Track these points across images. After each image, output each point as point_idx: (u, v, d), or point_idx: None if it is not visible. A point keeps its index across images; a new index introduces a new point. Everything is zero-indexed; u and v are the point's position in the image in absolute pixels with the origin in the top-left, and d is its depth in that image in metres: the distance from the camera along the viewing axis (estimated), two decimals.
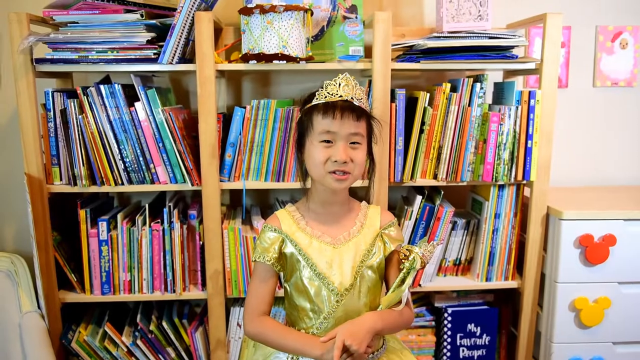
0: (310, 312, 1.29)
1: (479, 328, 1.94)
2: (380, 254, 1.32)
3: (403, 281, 1.27)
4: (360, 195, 1.43)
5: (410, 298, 1.33)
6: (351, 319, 1.25)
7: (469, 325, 1.93)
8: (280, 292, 1.76)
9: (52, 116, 1.66)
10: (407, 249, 1.29)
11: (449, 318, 1.92)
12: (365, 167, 1.34)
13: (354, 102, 1.24)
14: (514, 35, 1.70)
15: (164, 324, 1.82)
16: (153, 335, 1.81)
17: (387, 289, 1.33)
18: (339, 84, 1.25)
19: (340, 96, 1.24)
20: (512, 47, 1.72)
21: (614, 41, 2.15)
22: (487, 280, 1.87)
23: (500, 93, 1.86)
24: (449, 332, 1.93)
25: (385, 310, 1.28)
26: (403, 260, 1.28)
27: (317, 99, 1.27)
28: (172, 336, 1.83)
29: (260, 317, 1.30)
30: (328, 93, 1.25)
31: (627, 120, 2.19)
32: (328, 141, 1.24)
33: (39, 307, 1.75)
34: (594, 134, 2.19)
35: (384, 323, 1.25)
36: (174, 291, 1.78)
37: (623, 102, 2.18)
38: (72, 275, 1.77)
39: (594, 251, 1.72)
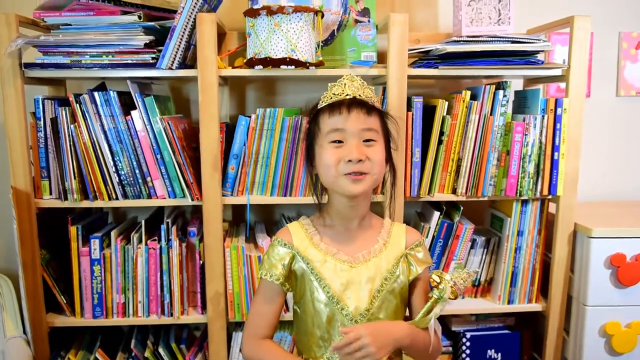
0: (320, 340, 1.16)
1: (499, 354, 1.80)
2: (404, 277, 1.19)
3: (430, 311, 1.14)
4: (375, 211, 1.30)
5: (440, 332, 1.18)
6: None
7: (489, 351, 1.79)
8: (287, 316, 1.65)
9: (42, 125, 1.54)
10: (438, 275, 1.15)
11: (468, 343, 1.79)
12: (385, 178, 1.23)
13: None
14: (538, 40, 1.59)
15: (160, 349, 1.68)
16: None
17: (412, 319, 1.20)
18: (344, 84, 1.15)
19: (347, 95, 1.14)
20: (537, 52, 1.61)
21: (638, 48, 2.04)
22: (509, 302, 1.73)
23: (523, 102, 1.74)
24: (468, 359, 1.79)
25: (420, 329, 1.14)
26: (433, 288, 1.15)
27: (322, 102, 1.18)
28: None
29: (260, 340, 1.18)
30: (333, 94, 1.16)
31: None
32: (339, 142, 1.12)
33: (24, 331, 1.61)
34: (618, 146, 2.07)
35: (412, 341, 1.12)
36: (172, 314, 1.65)
37: None
38: (61, 297, 1.64)
39: (626, 272, 1.59)
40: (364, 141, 1.12)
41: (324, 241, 1.19)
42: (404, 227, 1.26)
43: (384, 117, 1.20)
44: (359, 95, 1.14)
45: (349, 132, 1.11)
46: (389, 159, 1.21)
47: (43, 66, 1.51)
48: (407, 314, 1.28)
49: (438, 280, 1.13)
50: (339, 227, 1.21)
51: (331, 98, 1.15)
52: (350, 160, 1.10)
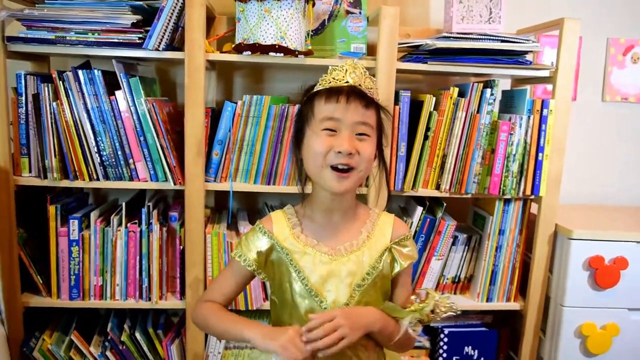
0: None
1: (476, 351, 1.81)
2: (387, 272, 1.15)
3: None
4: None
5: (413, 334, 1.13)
6: None
7: (466, 347, 1.81)
8: (265, 305, 1.64)
9: (23, 101, 1.52)
10: (427, 291, 1.13)
11: (445, 339, 1.79)
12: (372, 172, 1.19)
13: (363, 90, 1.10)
14: (527, 40, 1.59)
15: (137, 334, 1.67)
16: (124, 347, 1.66)
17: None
18: (346, 70, 1.10)
19: (347, 82, 1.09)
20: (526, 52, 1.61)
21: (626, 55, 2.05)
22: (487, 300, 1.74)
23: (509, 101, 1.74)
24: (445, 355, 1.80)
25: (390, 318, 1.12)
26: (416, 298, 1.13)
27: (320, 84, 1.12)
28: (145, 348, 1.68)
29: (209, 302, 1.18)
30: (333, 78, 1.10)
31: (637, 138, 2.09)
32: (332, 130, 1.08)
33: None
34: (601, 150, 2.09)
35: (382, 327, 1.10)
36: (150, 299, 1.63)
37: (633, 118, 2.08)
38: (38, 277, 1.62)
39: (604, 274, 1.60)
40: (357, 134, 1.09)
41: (305, 232, 1.16)
42: (391, 218, 1.21)
43: (381, 112, 1.15)
44: (360, 85, 1.10)
45: (344, 122, 1.07)
46: (379, 155, 1.18)
47: (26, 40, 1.48)
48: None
49: (423, 296, 1.11)
50: (321, 219, 1.17)
51: (330, 82, 1.10)
52: (340, 152, 1.06)
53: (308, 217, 1.18)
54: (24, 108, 1.52)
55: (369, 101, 1.09)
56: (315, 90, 1.13)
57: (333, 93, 1.08)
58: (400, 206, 1.89)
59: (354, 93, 1.08)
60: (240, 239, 1.20)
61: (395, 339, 1.11)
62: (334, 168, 1.07)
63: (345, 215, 1.17)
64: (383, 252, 1.16)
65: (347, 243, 1.15)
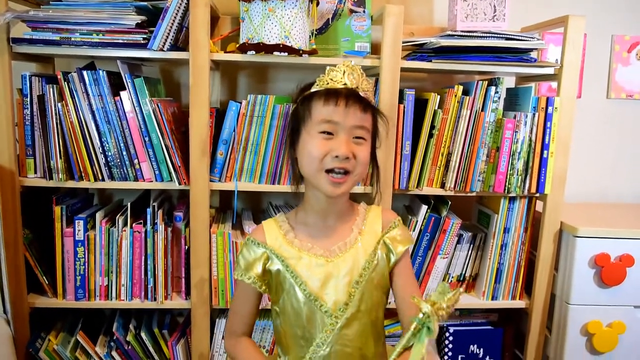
0: (301, 340, 1.13)
1: (482, 350, 1.81)
2: (384, 266, 1.14)
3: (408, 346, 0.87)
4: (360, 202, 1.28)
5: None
6: (350, 343, 1.09)
7: (471, 346, 1.80)
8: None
9: (28, 102, 1.52)
10: (417, 300, 0.87)
11: (451, 338, 1.79)
12: (368, 172, 1.20)
13: (360, 93, 1.09)
14: (532, 38, 1.59)
15: (143, 334, 1.67)
16: (130, 347, 1.66)
17: (398, 305, 1.14)
18: (344, 71, 1.10)
19: (345, 84, 1.09)
20: (530, 50, 1.61)
21: (631, 52, 2.05)
22: (493, 298, 1.74)
23: (514, 99, 1.74)
24: (450, 353, 1.80)
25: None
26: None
27: (317, 85, 1.11)
28: (150, 348, 1.68)
29: (237, 337, 1.20)
30: (330, 79, 1.10)
31: None
32: (329, 133, 1.07)
33: (4, 311, 1.59)
34: (606, 148, 2.09)
35: None
36: (155, 299, 1.63)
37: (638, 115, 2.08)
38: (44, 277, 1.62)
39: (610, 272, 1.60)
40: (353, 138, 1.09)
41: (298, 237, 1.15)
42: (379, 210, 1.20)
43: (377, 115, 1.16)
44: (357, 87, 1.10)
45: (342, 125, 1.07)
46: (372, 157, 1.17)
47: (32, 42, 1.48)
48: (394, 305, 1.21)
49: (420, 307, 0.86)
50: (315, 221, 1.16)
51: (327, 83, 1.10)
52: (337, 156, 1.06)
53: (301, 221, 1.18)
54: (29, 109, 1.52)
55: (366, 105, 1.09)
56: (312, 90, 1.12)
57: (332, 95, 1.08)
58: (405, 205, 1.89)
59: (352, 96, 1.08)
60: (237, 258, 1.19)
61: None
62: (329, 171, 1.07)
63: (340, 217, 1.17)
64: (376, 246, 1.15)
65: (340, 243, 1.14)
